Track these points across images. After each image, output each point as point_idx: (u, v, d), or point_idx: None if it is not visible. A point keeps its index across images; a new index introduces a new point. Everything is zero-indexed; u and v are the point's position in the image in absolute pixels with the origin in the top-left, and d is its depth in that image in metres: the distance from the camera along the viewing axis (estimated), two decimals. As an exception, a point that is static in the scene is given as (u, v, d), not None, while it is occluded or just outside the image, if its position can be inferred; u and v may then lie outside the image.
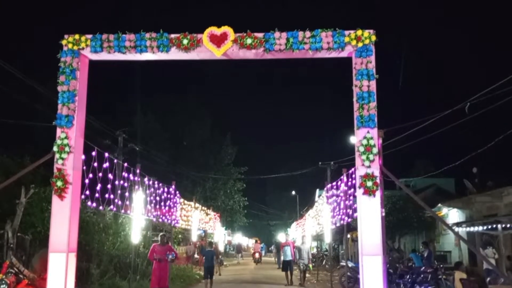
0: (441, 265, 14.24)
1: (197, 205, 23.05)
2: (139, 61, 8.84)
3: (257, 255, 35.74)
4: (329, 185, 15.46)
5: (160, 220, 16.40)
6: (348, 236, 33.86)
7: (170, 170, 32.29)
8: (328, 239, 17.07)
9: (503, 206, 18.39)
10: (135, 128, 29.98)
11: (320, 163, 28.32)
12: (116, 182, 10.98)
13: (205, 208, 26.79)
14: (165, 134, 35.91)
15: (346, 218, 12.22)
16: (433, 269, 13.49)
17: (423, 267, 14.10)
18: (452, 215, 22.72)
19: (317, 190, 41.36)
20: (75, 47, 8.13)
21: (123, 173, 11.53)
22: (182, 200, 19.36)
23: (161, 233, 12.39)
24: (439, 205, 23.27)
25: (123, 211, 11.61)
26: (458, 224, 17.59)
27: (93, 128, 18.51)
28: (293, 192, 57.48)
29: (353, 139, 26.64)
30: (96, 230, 13.51)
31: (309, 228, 23.27)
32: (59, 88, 8.10)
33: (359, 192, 7.70)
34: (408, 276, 11.56)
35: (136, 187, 12.26)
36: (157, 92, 49.14)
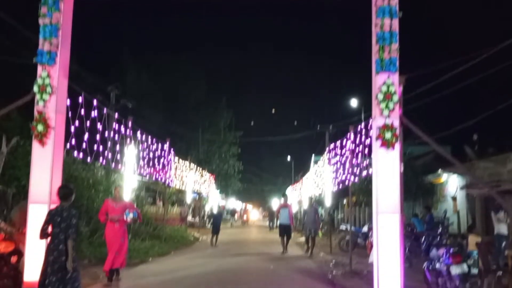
0: (446, 230, 13.75)
1: (192, 165, 22.39)
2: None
3: (245, 217, 45.44)
4: (331, 145, 14.73)
5: (154, 178, 15.71)
6: (345, 201, 33.63)
7: (163, 130, 31.42)
8: (328, 202, 16.53)
9: (506, 172, 17.87)
10: (128, 87, 28.86)
11: (319, 126, 27.52)
12: (106, 134, 10.17)
13: (200, 169, 26.17)
14: (158, 94, 34.84)
15: (352, 177, 11.51)
16: (438, 234, 12.99)
17: (427, 232, 13.62)
18: (452, 181, 22.27)
19: (313, 156, 40.86)
20: (59, -26, 7.16)
21: (114, 124, 10.68)
22: (176, 158, 18.65)
23: (117, 185, 9.85)
24: (439, 171, 22.78)
25: (113, 164, 10.78)
26: (468, 187, 17.09)
27: (82, 81, 17.50)
28: (289, 158, 57.11)
29: (354, 102, 25.70)
30: (86, 186, 12.71)
31: (307, 192, 22.72)
32: (40, 21, 7.25)
33: (376, 144, 6.94)
34: (423, 239, 11.08)
35: (128, 141, 11.46)
36: (151, 51, 47.67)
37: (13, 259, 7.40)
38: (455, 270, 6.82)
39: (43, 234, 5.86)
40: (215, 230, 18.31)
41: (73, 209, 5.94)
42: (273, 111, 60.82)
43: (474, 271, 7.00)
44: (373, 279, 6.95)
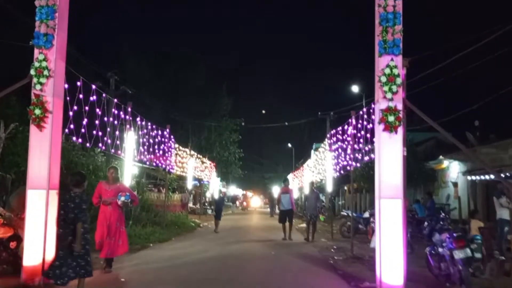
0: (447, 216, 13.66)
1: (192, 152, 22.32)
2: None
3: (244, 204, 48.49)
4: (333, 131, 14.63)
5: (154, 164, 15.63)
6: (346, 188, 33.63)
7: (164, 118, 31.28)
8: (329, 188, 16.47)
9: (507, 158, 17.81)
10: (128, 76, 28.63)
11: (319, 113, 27.42)
12: (105, 119, 10.05)
13: (201, 156, 26.13)
14: (158, 82, 34.65)
15: (353, 163, 11.41)
16: (441, 219, 12.90)
17: (429, 217, 13.55)
18: (454, 167, 22.20)
19: (314, 144, 40.79)
20: (55, -47, 6.99)
21: (113, 110, 10.56)
22: (177, 145, 18.57)
23: (111, 166, 9.15)
24: (441, 157, 22.70)
25: (113, 150, 10.68)
26: (470, 172, 17.01)
27: (81, 68, 17.31)
28: (289, 145, 57.04)
29: (355, 88, 25.55)
30: (85, 172, 12.62)
31: (308, 179, 22.67)
32: (37, 3, 7.12)
33: (379, 128, 6.82)
34: (426, 224, 11.00)
35: (128, 126, 11.35)
36: (151, 40, 47.52)
37: (12, 244, 7.38)
38: (458, 254, 6.75)
39: (60, 222, 5.94)
40: (218, 215, 18.69)
41: (84, 195, 6.06)
42: (263, 111, 60.34)
43: (477, 255, 6.93)
44: (374, 264, 6.90)
